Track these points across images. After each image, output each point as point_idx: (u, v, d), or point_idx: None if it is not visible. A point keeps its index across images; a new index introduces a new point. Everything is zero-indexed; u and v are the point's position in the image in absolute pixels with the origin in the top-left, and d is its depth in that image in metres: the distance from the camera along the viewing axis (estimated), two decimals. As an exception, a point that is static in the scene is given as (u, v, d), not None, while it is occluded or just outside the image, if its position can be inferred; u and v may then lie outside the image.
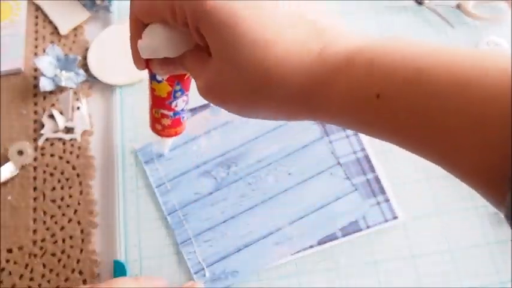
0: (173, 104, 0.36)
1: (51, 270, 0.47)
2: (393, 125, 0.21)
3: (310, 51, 0.22)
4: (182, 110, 0.37)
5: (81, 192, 0.50)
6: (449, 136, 0.18)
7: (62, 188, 0.50)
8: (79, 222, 0.48)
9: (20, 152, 0.51)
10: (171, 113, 0.37)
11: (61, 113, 0.53)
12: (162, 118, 0.38)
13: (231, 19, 0.22)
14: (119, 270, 0.45)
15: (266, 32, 0.22)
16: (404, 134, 0.20)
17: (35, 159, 0.52)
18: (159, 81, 0.34)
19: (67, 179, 0.50)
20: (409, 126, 0.20)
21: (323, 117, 0.23)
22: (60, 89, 0.55)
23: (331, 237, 0.45)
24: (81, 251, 0.47)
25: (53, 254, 0.47)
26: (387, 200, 0.47)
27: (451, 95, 0.18)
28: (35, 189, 0.50)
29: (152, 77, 0.34)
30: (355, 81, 0.21)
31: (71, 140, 0.52)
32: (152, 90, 0.35)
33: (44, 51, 0.57)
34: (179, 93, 0.35)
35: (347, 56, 0.22)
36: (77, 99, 0.54)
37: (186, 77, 0.34)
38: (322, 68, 0.22)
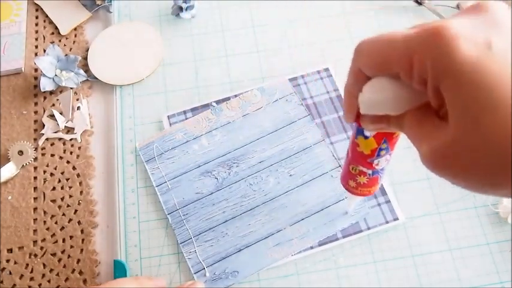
0: (375, 162, 0.32)
1: (51, 270, 0.47)
2: None
3: None
4: (382, 169, 0.34)
5: (81, 192, 0.50)
6: None
7: (62, 188, 0.50)
8: (79, 222, 0.48)
9: (21, 152, 0.51)
10: (369, 171, 0.34)
11: (61, 113, 0.53)
12: (359, 175, 0.34)
13: (484, 80, 0.19)
14: (119, 270, 0.45)
15: None
16: None
17: (35, 159, 0.52)
18: (366, 137, 0.30)
19: (67, 179, 0.51)
20: None
21: None
22: (60, 89, 0.55)
23: (332, 239, 0.45)
24: (82, 251, 0.47)
25: (53, 254, 0.47)
26: (388, 201, 0.47)
27: None
28: (35, 189, 0.50)
29: (359, 132, 0.31)
30: None
31: (71, 140, 0.52)
32: (355, 144, 0.32)
33: (45, 51, 0.57)
34: (384, 151, 0.31)
35: None
36: (77, 99, 0.54)
37: (396, 135, 0.30)
38: None
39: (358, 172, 0.34)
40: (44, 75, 0.54)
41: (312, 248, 0.45)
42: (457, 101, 0.20)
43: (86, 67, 0.56)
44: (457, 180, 0.22)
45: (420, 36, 0.21)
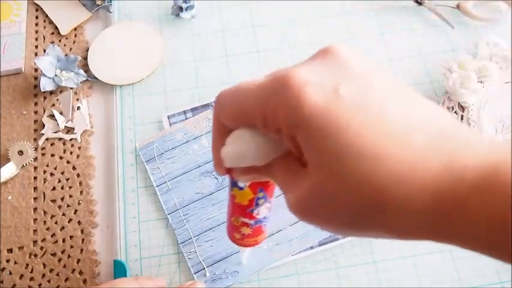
0: (255, 212, 0.32)
1: (51, 270, 0.47)
2: None
3: (432, 165, 0.18)
4: (265, 217, 0.33)
5: (81, 192, 0.50)
6: None
7: (62, 188, 0.50)
8: (79, 222, 0.48)
9: (21, 152, 0.51)
10: (252, 222, 0.33)
11: (61, 113, 0.53)
12: (242, 227, 0.34)
13: (332, 127, 0.19)
14: (119, 270, 0.45)
15: (376, 142, 0.18)
16: None
17: (36, 159, 0.52)
18: (240, 188, 0.30)
19: (67, 179, 0.51)
20: None
21: (449, 242, 0.20)
22: (60, 89, 0.55)
23: (332, 238, 0.45)
24: (82, 251, 0.47)
25: (53, 254, 0.47)
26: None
27: None
28: (35, 189, 0.50)
29: (233, 184, 0.30)
30: (497, 205, 0.17)
31: (71, 140, 0.52)
32: (232, 197, 0.31)
33: (45, 51, 0.57)
34: (262, 200, 0.31)
35: (481, 172, 0.18)
36: (77, 99, 0.54)
37: (271, 182, 0.30)
38: (449, 185, 0.18)
39: (241, 223, 0.33)
40: (44, 75, 0.54)
41: (312, 248, 0.45)
42: (310, 149, 0.20)
43: (86, 67, 0.56)
44: (322, 226, 0.22)
45: (270, 86, 0.21)
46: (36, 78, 0.56)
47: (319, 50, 0.22)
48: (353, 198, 0.19)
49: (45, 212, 0.49)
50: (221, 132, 0.25)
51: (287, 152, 0.23)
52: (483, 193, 0.18)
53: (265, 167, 0.24)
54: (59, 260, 0.47)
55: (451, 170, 0.18)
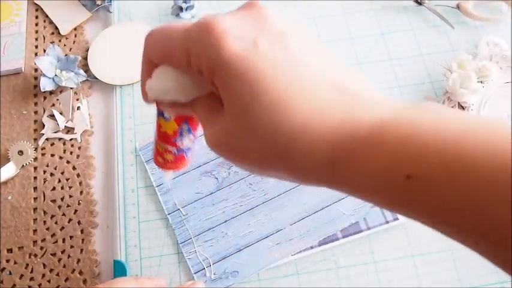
0: (178, 142, 0.34)
1: (51, 270, 0.47)
2: (427, 209, 0.20)
3: (331, 119, 0.20)
4: (188, 148, 0.35)
5: (81, 192, 0.50)
6: (505, 231, 0.17)
7: (62, 188, 0.50)
8: (79, 222, 0.48)
9: (21, 152, 0.51)
10: (174, 150, 0.35)
11: (61, 113, 0.53)
12: (166, 153, 0.36)
13: (249, 75, 0.20)
14: (119, 270, 0.45)
15: (286, 94, 0.20)
16: (442, 220, 0.20)
17: (35, 159, 0.52)
18: (166, 119, 0.32)
19: (67, 179, 0.51)
20: (449, 213, 0.19)
21: (342, 190, 0.22)
22: (60, 89, 0.55)
23: (332, 238, 0.45)
24: (81, 251, 0.47)
25: (53, 254, 0.47)
26: (387, 200, 0.47)
27: (505, 185, 0.17)
28: (35, 189, 0.50)
29: (159, 114, 0.33)
30: (380, 158, 0.19)
31: (71, 140, 0.52)
32: (158, 125, 0.34)
33: (45, 51, 0.57)
34: (186, 132, 0.33)
35: (371, 128, 0.20)
36: (77, 99, 0.54)
37: (195, 117, 0.32)
38: (342, 138, 0.20)
39: (164, 150, 0.35)
40: (44, 75, 0.54)
41: (312, 247, 0.45)
42: (226, 93, 0.22)
43: (86, 67, 0.56)
44: (235, 163, 0.24)
45: (195, 30, 0.22)
46: (36, 78, 0.56)
47: (245, 3, 0.23)
48: (262, 144, 0.21)
49: (45, 212, 0.49)
50: (148, 67, 0.27)
51: (210, 92, 0.25)
52: (370, 147, 0.20)
53: (189, 103, 0.26)
54: (59, 260, 0.47)
55: (346, 124, 0.20)
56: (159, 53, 0.25)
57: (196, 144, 0.36)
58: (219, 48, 0.21)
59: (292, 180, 0.23)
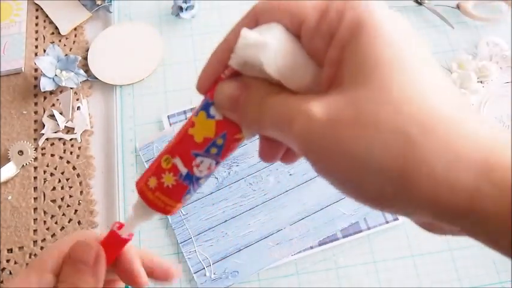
0: (198, 160, 0.25)
1: (51, 270, 0.47)
2: None
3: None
4: (198, 179, 0.26)
5: (81, 192, 0.50)
6: None
7: (62, 188, 0.50)
8: (79, 222, 0.48)
9: (21, 152, 0.51)
10: (184, 171, 0.25)
11: (61, 113, 0.53)
12: (167, 172, 0.25)
13: (406, 53, 0.17)
14: (119, 270, 0.45)
15: (452, 106, 0.17)
16: None
17: (36, 159, 0.52)
18: (209, 115, 0.24)
19: (67, 179, 0.51)
20: None
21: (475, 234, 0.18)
22: (60, 89, 0.55)
23: (332, 238, 0.45)
24: (82, 251, 0.47)
25: (53, 254, 0.47)
26: (387, 200, 0.47)
27: None
28: (35, 189, 0.50)
29: (204, 107, 0.24)
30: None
31: (71, 140, 0.52)
32: (189, 124, 0.25)
33: (45, 51, 0.57)
34: (215, 150, 0.25)
35: (484, 157, 0.17)
36: (77, 99, 0.54)
37: (237, 136, 0.24)
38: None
39: (170, 167, 0.25)
40: (44, 75, 0.54)
41: (312, 248, 0.45)
42: (369, 58, 0.18)
43: (86, 67, 0.56)
44: (355, 141, 0.17)
45: None
46: (36, 78, 0.56)
47: None
48: (400, 117, 0.17)
49: (45, 212, 0.49)
50: (250, 21, 0.21)
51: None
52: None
53: (259, 103, 0.20)
54: (59, 260, 0.47)
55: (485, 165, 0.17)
56: (283, 3, 0.20)
57: (197, 187, 0.27)
58: (369, 6, 0.18)
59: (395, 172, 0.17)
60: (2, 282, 0.46)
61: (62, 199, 0.50)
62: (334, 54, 0.19)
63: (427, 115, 0.17)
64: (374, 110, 0.17)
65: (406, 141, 0.17)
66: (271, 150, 0.24)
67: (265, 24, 0.20)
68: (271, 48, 0.19)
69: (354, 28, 0.18)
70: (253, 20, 0.21)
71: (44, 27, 0.60)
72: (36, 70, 0.57)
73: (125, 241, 0.29)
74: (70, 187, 0.50)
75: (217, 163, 0.26)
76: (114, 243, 0.29)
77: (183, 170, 0.25)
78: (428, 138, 0.17)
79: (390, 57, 0.17)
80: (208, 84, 0.23)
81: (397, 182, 0.17)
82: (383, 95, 0.17)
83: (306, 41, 0.20)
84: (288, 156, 0.25)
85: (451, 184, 0.16)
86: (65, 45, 0.59)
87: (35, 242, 0.48)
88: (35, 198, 0.50)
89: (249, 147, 0.50)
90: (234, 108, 0.22)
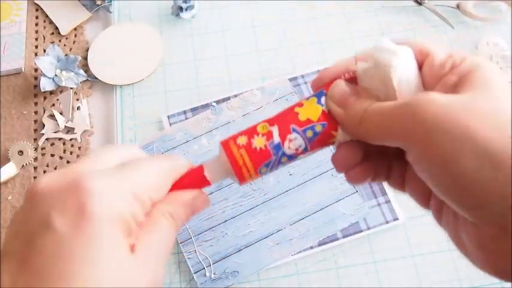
0: (293, 135, 0.26)
1: (51, 270, 0.47)
2: None
3: None
4: (284, 154, 0.27)
5: (81, 192, 0.50)
6: None
7: (62, 188, 0.50)
8: (79, 222, 0.48)
9: (21, 152, 0.51)
10: (276, 140, 0.26)
11: (61, 113, 0.53)
12: (262, 135, 0.27)
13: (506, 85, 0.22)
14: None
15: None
16: None
17: (36, 159, 0.52)
18: (319, 103, 0.26)
19: (67, 179, 0.50)
20: None
21: None
22: (60, 89, 0.55)
23: (332, 238, 0.45)
24: (82, 251, 0.47)
25: (53, 254, 0.47)
26: (388, 201, 0.47)
27: None
28: (35, 189, 0.50)
29: (318, 95, 0.27)
30: None
31: (71, 140, 0.52)
32: (298, 104, 0.27)
33: (45, 51, 0.57)
34: (310, 133, 0.26)
35: None
36: (77, 99, 0.54)
37: (333, 133, 0.26)
38: None
39: (265, 132, 0.27)
40: (44, 75, 0.54)
41: (312, 248, 0.45)
42: (485, 80, 0.22)
43: (86, 67, 0.56)
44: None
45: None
46: (36, 78, 0.56)
47: None
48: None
49: (45, 212, 0.49)
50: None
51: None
52: None
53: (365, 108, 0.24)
54: (59, 260, 0.47)
55: None
56: None
57: (277, 165, 0.27)
58: (485, 59, 0.24)
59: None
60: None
61: (62, 199, 0.50)
62: (453, 79, 0.23)
63: None
64: (489, 103, 0.21)
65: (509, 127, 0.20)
66: (348, 159, 0.27)
67: (398, 45, 0.25)
68: (401, 56, 0.24)
69: (474, 66, 0.23)
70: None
71: (44, 27, 0.60)
72: (36, 70, 0.57)
73: (205, 184, 0.28)
74: (70, 187, 0.50)
75: (305, 150, 0.27)
76: (193, 181, 0.28)
77: (276, 139, 0.26)
78: None
79: (501, 84, 0.22)
80: (328, 80, 0.27)
81: (494, 159, 0.20)
82: (496, 97, 0.21)
83: (427, 68, 0.25)
84: (361, 172, 0.27)
85: None
86: (65, 45, 0.59)
87: (35, 242, 0.48)
88: (35, 198, 0.50)
89: (249, 147, 0.50)
90: (341, 105, 0.26)
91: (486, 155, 0.20)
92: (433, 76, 0.24)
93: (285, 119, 0.27)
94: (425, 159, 0.21)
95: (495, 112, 0.21)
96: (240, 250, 0.45)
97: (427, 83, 0.25)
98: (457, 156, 0.20)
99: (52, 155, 0.52)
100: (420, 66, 0.25)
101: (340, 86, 0.26)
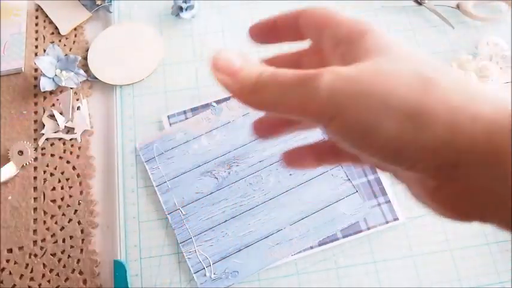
0: None
1: (51, 270, 0.47)
2: None
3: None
4: None
5: (81, 192, 0.50)
6: None
7: (62, 188, 0.50)
8: (79, 222, 0.48)
9: (21, 152, 0.51)
10: None
11: (61, 113, 0.53)
12: None
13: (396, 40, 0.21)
14: (119, 270, 0.45)
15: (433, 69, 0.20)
16: None
17: (35, 159, 0.52)
18: None
19: (67, 179, 0.51)
20: None
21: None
22: (60, 89, 0.55)
23: (332, 238, 0.45)
24: (81, 251, 0.47)
25: (53, 254, 0.47)
26: (388, 201, 0.47)
27: None
28: (35, 189, 0.50)
29: None
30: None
31: (71, 140, 0.52)
32: None
33: (44, 51, 0.57)
34: None
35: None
36: (77, 99, 0.54)
37: None
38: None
39: None
40: (44, 75, 0.54)
41: (312, 248, 0.45)
42: (381, 42, 0.21)
43: (86, 67, 0.56)
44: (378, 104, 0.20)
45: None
46: (36, 78, 0.56)
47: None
48: (416, 65, 0.20)
49: (45, 212, 0.49)
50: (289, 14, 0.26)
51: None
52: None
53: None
54: (59, 260, 0.47)
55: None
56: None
57: None
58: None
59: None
60: (2, 282, 0.46)
61: (62, 199, 0.50)
62: (343, 49, 0.22)
63: (440, 67, 0.20)
64: (393, 64, 0.20)
65: (423, 80, 0.19)
66: (269, 124, 0.26)
67: None
68: None
69: (363, 33, 0.22)
70: (295, 16, 0.26)
71: (44, 27, 0.60)
72: (36, 70, 0.57)
73: None
74: (70, 187, 0.50)
75: None
76: None
77: None
78: (444, 77, 0.19)
79: (394, 42, 0.21)
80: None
81: (416, 119, 0.18)
82: (398, 58, 0.20)
83: (324, 42, 0.24)
84: (281, 128, 0.26)
85: (471, 114, 0.18)
86: (65, 45, 0.59)
87: (35, 242, 0.48)
88: (35, 198, 0.50)
89: (249, 148, 0.50)
90: (229, 73, 0.23)
91: (406, 117, 0.19)
92: (327, 49, 0.23)
93: None
94: (344, 133, 0.20)
95: (400, 73, 0.19)
96: (240, 250, 0.45)
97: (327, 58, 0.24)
98: (376, 125, 0.19)
99: (52, 155, 0.52)
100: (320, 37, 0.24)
101: (224, 53, 0.23)
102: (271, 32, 0.27)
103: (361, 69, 0.20)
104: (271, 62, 0.27)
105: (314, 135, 0.48)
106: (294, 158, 0.28)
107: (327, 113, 0.20)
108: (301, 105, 0.20)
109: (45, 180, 0.51)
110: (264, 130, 0.26)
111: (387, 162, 0.20)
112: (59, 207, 0.49)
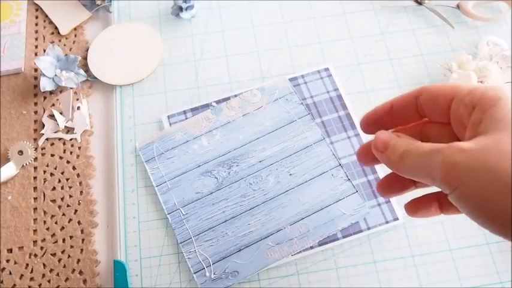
0: None
1: (51, 270, 0.47)
2: None
3: None
4: None
5: (81, 192, 0.50)
6: None
7: (62, 188, 0.50)
8: (79, 222, 0.48)
9: (20, 152, 0.51)
10: None
11: (61, 113, 0.53)
12: None
13: None
14: (119, 270, 0.45)
15: None
16: None
17: (35, 159, 0.52)
18: None
19: (67, 179, 0.51)
20: None
21: None
22: (60, 89, 0.55)
23: (332, 238, 0.45)
24: (82, 250, 0.47)
25: (53, 254, 0.47)
26: (388, 201, 0.47)
27: None
28: (35, 189, 0.50)
29: None
30: None
31: (71, 140, 0.52)
32: None
33: (44, 51, 0.57)
34: None
35: None
36: (77, 99, 0.54)
37: None
38: None
39: None
40: (44, 75, 0.54)
41: (312, 248, 0.45)
42: (507, 115, 0.24)
43: (86, 67, 0.56)
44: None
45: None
46: (36, 78, 0.56)
47: None
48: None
49: (45, 212, 0.49)
50: (411, 93, 0.30)
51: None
52: None
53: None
54: (59, 260, 0.47)
55: None
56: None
57: None
58: (507, 88, 0.25)
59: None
60: (2, 282, 0.46)
61: (62, 199, 0.50)
62: (477, 118, 0.25)
63: None
64: (508, 143, 0.23)
65: None
66: (392, 185, 0.33)
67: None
68: None
69: (495, 100, 0.24)
70: (416, 95, 0.29)
71: (44, 27, 0.60)
72: (36, 70, 0.57)
73: None
74: (70, 187, 0.50)
75: None
76: None
77: None
78: None
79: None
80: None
81: None
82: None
83: (453, 109, 0.27)
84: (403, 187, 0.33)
85: None
86: (64, 45, 0.59)
87: (35, 242, 0.48)
88: (35, 198, 0.50)
89: (249, 148, 0.50)
90: (383, 149, 0.29)
91: None
92: (459, 115, 0.27)
93: None
94: (463, 203, 0.24)
95: None
96: (240, 250, 0.45)
97: (456, 121, 0.27)
98: (490, 199, 0.22)
99: (52, 155, 0.52)
100: (448, 107, 0.28)
101: (381, 135, 0.29)
102: (386, 117, 0.31)
103: (481, 146, 0.23)
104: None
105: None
106: (419, 207, 0.32)
107: (450, 184, 0.24)
108: (429, 174, 0.25)
109: (45, 180, 0.51)
110: (371, 160, 0.32)
111: (496, 233, 0.24)
112: (59, 207, 0.49)
